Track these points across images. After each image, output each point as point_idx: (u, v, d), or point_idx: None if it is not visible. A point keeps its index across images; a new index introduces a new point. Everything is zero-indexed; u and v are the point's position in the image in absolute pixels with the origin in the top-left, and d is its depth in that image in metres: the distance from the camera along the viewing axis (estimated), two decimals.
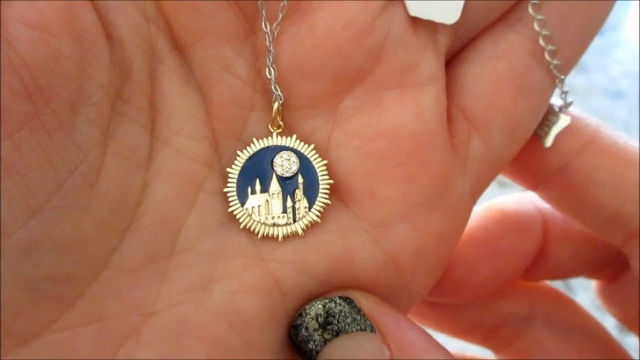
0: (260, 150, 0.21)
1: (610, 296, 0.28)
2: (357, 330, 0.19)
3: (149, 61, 0.19)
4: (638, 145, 0.24)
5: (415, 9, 0.20)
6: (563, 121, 0.23)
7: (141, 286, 0.19)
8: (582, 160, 0.23)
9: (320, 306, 0.19)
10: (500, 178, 0.24)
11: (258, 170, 0.21)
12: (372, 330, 0.19)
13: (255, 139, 0.21)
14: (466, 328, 0.29)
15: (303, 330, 0.19)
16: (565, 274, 0.28)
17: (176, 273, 0.19)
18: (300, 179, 0.21)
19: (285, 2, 0.19)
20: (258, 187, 0.21)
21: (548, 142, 0.23)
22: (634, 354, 0.28)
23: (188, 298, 0.19)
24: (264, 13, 0.19)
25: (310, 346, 0.19)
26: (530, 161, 0.23)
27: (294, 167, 0.21)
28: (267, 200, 0.21)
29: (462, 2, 0.20)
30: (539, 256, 0.27)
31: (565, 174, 0.23)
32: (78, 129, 0.18)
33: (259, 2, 0.19)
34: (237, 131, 0.20)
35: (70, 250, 0.18)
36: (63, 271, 0.18)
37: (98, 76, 0.18)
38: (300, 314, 0.19)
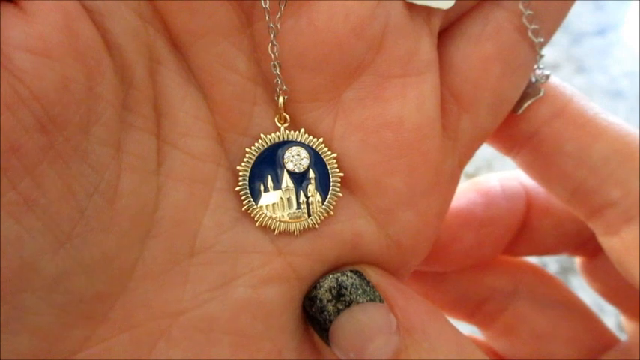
0: (269, 146, 0.20)
1: (592, 272, 0.29)
2: (367, 300, 0.20)
3: (149, 64, 0.19)
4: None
5: None
6: (537, 92, 0.23)
7: (166, 289, 0.19)
8: (551, 129, 0.23)
9: (333, 279, 0.20)
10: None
11: (268, 167, 0.21)
12: (381, 300, 0.20)
13: (262, 135, 0.20)
14: (452, 301, 0.29)
15: (318, 301, 0.20)
16: (548, 249, 0.29)
17: (198, 273, 0.20)
18: (312, 174, 0.21)
19: None
20: (270, 184, 0.21)
21: (520, 110, 0.23)
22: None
23: (213, 297, 0.20)
24: (267, 6, 0.19)
25: (324, 315, 0.20)
26: (503, 126, 0.23)
27: (305, 162, 0.21)
28: (281, 197, 0.21)
29: None
30: (522, 229, 0.28)
31: (535, 141, 0.24)
32: (92, 151, 0.18)
33: None
34: (243, 126, 0.20)
35: (97, 270, 0.18)
36: (92, 291, 0.18)
37: (106, 93, 0.18)
38: (315, 287, 0.20)
